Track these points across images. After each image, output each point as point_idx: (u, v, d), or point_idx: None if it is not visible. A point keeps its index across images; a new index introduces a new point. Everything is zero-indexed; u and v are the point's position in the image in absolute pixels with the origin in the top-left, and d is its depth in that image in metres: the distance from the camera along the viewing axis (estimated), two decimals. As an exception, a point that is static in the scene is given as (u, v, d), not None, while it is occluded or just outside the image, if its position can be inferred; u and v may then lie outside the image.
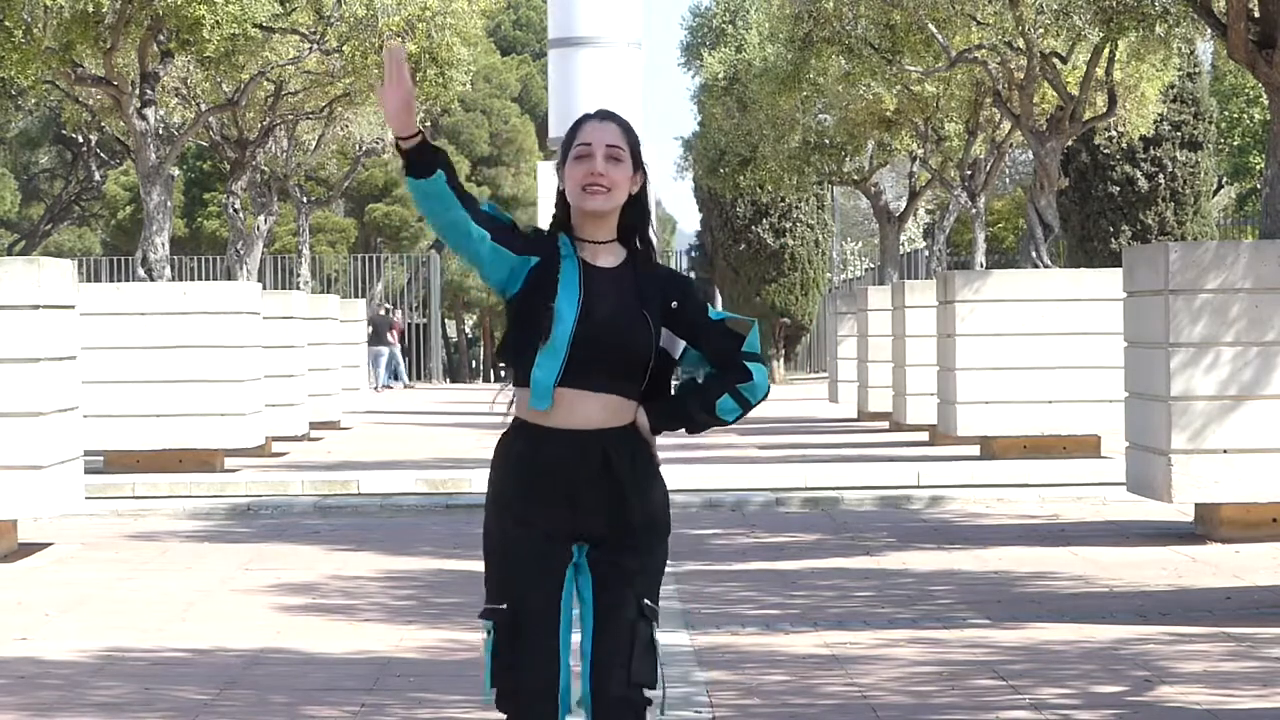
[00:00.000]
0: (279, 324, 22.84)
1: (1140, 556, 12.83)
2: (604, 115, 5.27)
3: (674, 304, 5.18)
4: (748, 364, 5.20)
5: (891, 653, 9.33)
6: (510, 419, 5.25)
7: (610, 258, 5.19)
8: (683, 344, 5.22)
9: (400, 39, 21.17)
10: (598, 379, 5.11)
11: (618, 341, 5.10)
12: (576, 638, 5.22)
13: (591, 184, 5.14)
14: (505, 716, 5.20)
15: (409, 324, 51.89)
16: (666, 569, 5.33)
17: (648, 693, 5.18)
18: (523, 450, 5.19)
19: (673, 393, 5.24)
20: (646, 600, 5.16)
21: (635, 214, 5.23)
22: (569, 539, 5.18)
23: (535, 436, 5.16)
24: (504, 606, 5.18)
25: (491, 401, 5.36)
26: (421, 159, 5.12)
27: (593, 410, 5.12)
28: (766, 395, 5.24)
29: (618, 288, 5.14)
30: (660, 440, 5.33)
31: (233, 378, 19.04)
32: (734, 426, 28.03)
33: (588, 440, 5.12)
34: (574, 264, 5.14)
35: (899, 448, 22.56)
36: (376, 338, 47.87)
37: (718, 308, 5.36)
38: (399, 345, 50.60)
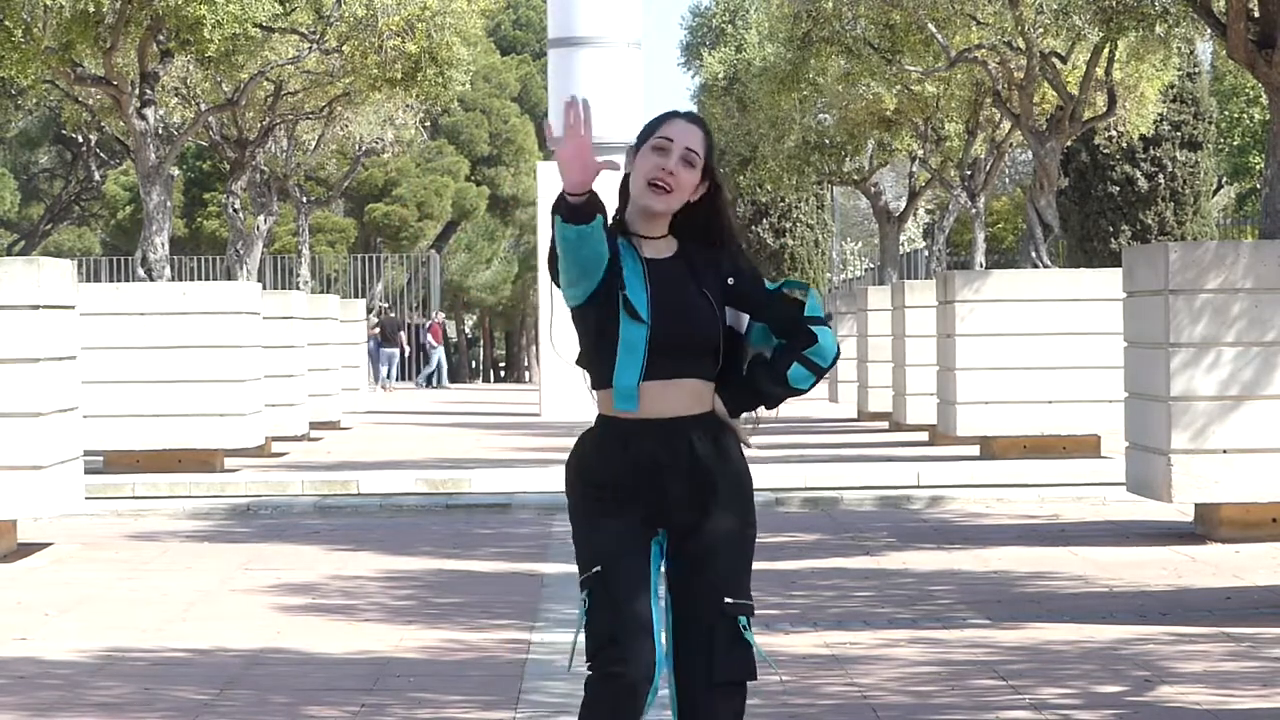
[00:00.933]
0: (279, 324, 22.85)
1: (1140, 556, 12.83)
2: (692, 118, 5.27)
3: (730, 280, 5.20)
4: (812, 328, 5.20)
5: (891, 653, 9.32)
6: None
7: (664, 248, 5.20)
8: (746, 319, 5.23)
9: (400, 38, 21.17)
10: (676, 367, 5.14)
11: (688, 329, 5.12)
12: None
13: (659, 180, 5.14)
14: (596, 686, 5.09)
15: (411, 324, 51.97)
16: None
17: (750, 685, 5.17)
18: (611, 443, 5.19)
19: (744, 372, 5.24)
20: (729, 599, 5.13)
21: (700, 215, 5.22)
22: (655, 524, 5.19)
23: (623, 430, 5.16)
24: (597, 570, 5.12)
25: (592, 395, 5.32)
26: (587, 208, 4.94)
27: (676, 398, 5.15)
28: (838, 357, 5.24)
29: (677, 276, 5.16)
30: None
31: (233, 378, 19.04)
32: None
33: (673, 429, 5.15)
34: (636, 262, 5.15)
35: (899, 448, 22.56)
36: (386, 339, 48.11)
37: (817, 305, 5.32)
38: (442, 347, 50.91)
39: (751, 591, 5.24)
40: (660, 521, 5.19)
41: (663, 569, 5.23)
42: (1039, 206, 20.44)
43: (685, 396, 5.16)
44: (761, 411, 5.31)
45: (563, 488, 5.34)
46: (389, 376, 48.26)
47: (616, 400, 5.14)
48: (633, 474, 5.15)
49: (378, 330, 48.31)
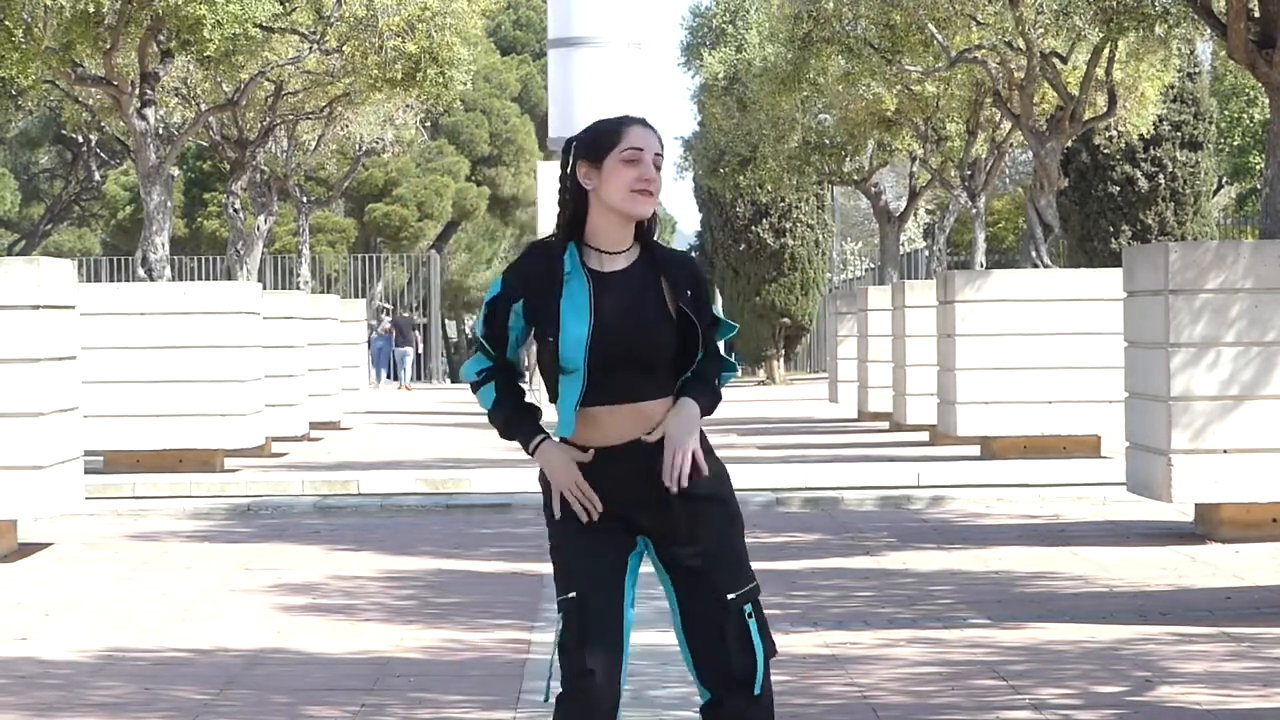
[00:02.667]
0: (279, 324, 22.84)
1: (1140, 556, 12.83)
2: (646, 124, 5.24)
3: (689, 292, 5.16)
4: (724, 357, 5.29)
5: (892, 653, 9.33)
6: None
7: (624, 259, 5.16)
8: None
9: (400, 39, 21.16)
10: (623, 389, 5.11)
11: (636, 344, 5.09)
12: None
13: (643, 189, 5.12)
14: (563, 705, 5.15)
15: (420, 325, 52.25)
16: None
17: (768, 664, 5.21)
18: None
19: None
20: (730, 595, 5.14)
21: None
22: (631, 531, 5.20)
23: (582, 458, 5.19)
24: (572, 595, 5.14)
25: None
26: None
27: (624, 423, 5.13)
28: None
29: (632, 289, 5.12)
30: None
31: (233, 378, 19.03)
32: (734, 427, 28.06)
33: (624, 455, 5.13)
34: (582, 280, 5.11)
35: (899, 448, 22.56)
36: (401, 338, 48.38)
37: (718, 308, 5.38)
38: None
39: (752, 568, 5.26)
40: (639, 530, 5.20)
41: (640, 573, 5.24)
42: (1039, 206, 20.43)
43: (634, 420, 5.13)
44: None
45: None
46: (404, 375, 48.54)
47: (560, 426, 5.17)
48: (598, 490, 5.15)
49: (392, 330, 48.56)
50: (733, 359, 5.34)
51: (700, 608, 5.17)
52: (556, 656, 5.16)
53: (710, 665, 5.17)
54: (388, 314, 50.30)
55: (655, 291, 5.14)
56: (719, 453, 5.36)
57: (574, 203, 5.16)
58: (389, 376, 48.86)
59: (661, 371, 5.14)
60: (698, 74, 38.05)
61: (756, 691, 5.16)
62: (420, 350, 51.21)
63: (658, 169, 5.17)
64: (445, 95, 22.49)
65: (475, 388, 5.28)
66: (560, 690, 5.15)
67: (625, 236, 5.15)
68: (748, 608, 5.18)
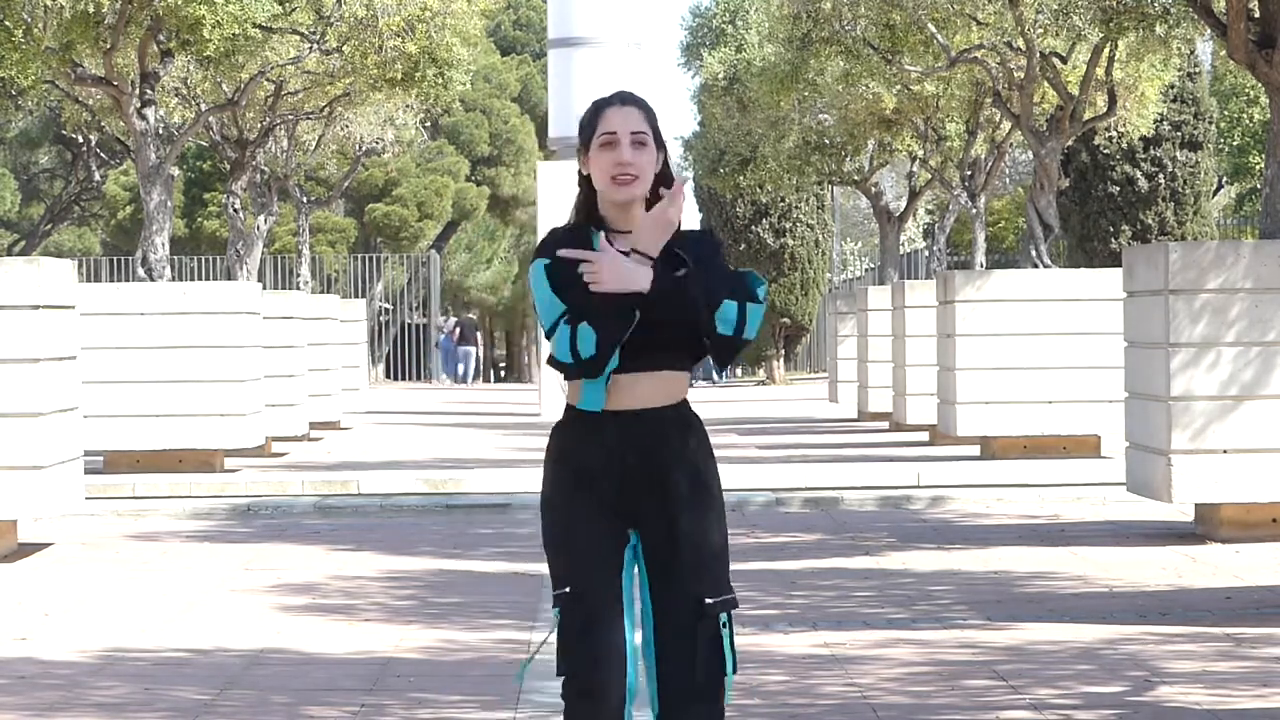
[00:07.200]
0: (279, 324, 22.84)
1: (1140, 556, 12.84)
2: (625, 99, 5.26)
3: (698, 255, 5.16)
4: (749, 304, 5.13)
5: (891, 653, 9.33)
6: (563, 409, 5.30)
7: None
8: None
9: (400, 39, 21.16)
10: (649, 358, 5.12)
11: (662, 319, 5.08)
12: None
13: (620, 174, 5.13)
14: (572, 695, 5.13)
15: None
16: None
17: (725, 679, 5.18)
18: (582, 432, 5.20)
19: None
20: (708, 599, 5.14)
21: (656, 185, 5.22)
22: (624, 522, 5.17)
23: (592, 420, 5.17)
24: (568, 590, 5.13)
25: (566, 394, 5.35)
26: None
27: (646, 390, 5.14)
28: (747, 337, 5.11)
29: (656, 266, 5.11)
30: None
31: (233, 378, 19.03)
32: (734, 427, 28.02)
33: (640, 421, 5.14)
34: None
35: (899, 448, 22.55)
36: (464, 338, 48.96)
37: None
38: None
39: (732, 584, 5.25)
40: (631, 521, 5.18)
41: (635, 573, 5.23)
42: (1039, 206, 20.43)
43: (656, 388, 5.14)
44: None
45: None
46: (466, 375, 49.02)
47: (585, 399, 5.14)
48: (604, 461, 5.14)
49: (456, 331, 49.13)
50: (759, 298, 5.15)
51: (674, 609, 5.14)
52: (556, 652, 5.14)
53: (674, 669, 5.12)
54: (451, 315, 51.22)
55: (671, 265, 5.12)
56: (717, 452, 5.36)
57: (584, 190, 5.23)
58: (450, 377, 49.54)
59: (687, 343, 5.14)
60: (698, 74, 38.03)
61: (720, 702, 5.13)
62: (481, 351, 51.89)
63: (642, 144, 5.16)
64: (445, 95, 22.47)
65: (575, 355, 5.08)
66: (565, 687, 5.13)
67: (630, 216, 5.17)
68: (724, 616, 5.16)
